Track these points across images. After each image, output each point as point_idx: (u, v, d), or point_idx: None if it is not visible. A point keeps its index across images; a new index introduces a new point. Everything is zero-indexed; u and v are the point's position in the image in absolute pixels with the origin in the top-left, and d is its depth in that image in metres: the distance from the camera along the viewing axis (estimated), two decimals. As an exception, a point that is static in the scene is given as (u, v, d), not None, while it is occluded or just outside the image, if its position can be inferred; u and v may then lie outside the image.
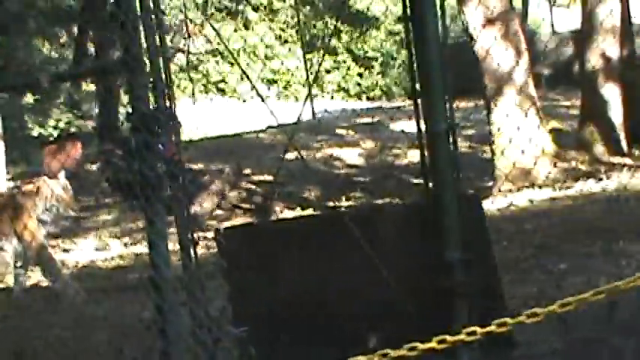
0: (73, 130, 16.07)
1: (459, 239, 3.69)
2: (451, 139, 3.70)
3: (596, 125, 10.72)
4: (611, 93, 10.64)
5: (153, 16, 4.21)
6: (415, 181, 13.36)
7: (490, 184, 10.62)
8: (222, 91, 27.42)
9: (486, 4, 9.65)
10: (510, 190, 9.21)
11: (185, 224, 4.28)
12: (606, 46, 10.40)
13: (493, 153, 9.98)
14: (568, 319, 3.79)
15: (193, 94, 24.80)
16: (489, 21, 9.66)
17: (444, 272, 3.75)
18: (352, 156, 14.63)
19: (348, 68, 27.40)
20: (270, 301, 4.30)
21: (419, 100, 3.88)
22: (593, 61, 10.48)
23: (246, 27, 26.36)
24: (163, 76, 4.24)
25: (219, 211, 11.76)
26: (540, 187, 9.22)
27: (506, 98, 9.53)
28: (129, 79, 4.22)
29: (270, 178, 12.58)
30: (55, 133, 15.87)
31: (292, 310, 4.23)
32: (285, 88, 27.56)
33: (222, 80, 27.11)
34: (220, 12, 26.09)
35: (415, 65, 3.85)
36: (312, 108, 17.80)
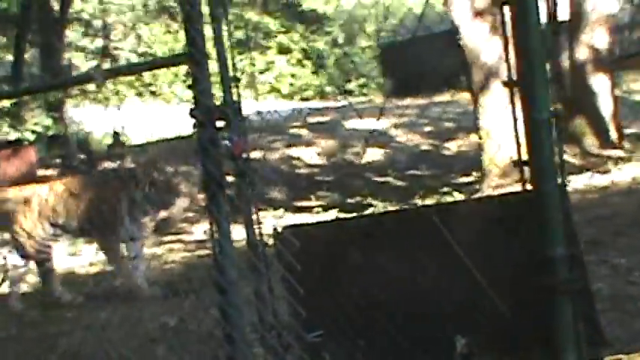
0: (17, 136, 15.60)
1: (562, 234, 3.57)
2: (555, 128, 3.56)
3: (586, 117, 10.77)
4: (601, 85, 10.70)
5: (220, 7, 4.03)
6: (381, 179, 13.40)
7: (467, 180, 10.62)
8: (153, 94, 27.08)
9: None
10: (502, 186, 9.14)
11: (253, 223, 4.10)
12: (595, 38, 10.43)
13: (481, 148, 9.95)
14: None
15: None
16: (477, 13, 9.58)
17: (544, 269, 3.61)
18: (311, 155, 14.51)
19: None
20: (343, 304, 4.12)
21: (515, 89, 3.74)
22: (582, 52, 10.52)
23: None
24: (231, 68, 4.07)
25: (189, 214, 11.47)
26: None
27: (495, 92, 9.45)
28: (194, 71, 4.02)
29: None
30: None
31: (368, 313, 4.06)
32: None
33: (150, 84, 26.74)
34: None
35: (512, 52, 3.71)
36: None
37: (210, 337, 5.51)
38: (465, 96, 13.93)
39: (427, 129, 14.80)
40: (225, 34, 4.03)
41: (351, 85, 27.02)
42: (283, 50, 27.93)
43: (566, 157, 9.89)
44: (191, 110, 4.07)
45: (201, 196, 11.76)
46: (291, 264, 3.92)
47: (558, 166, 3.57)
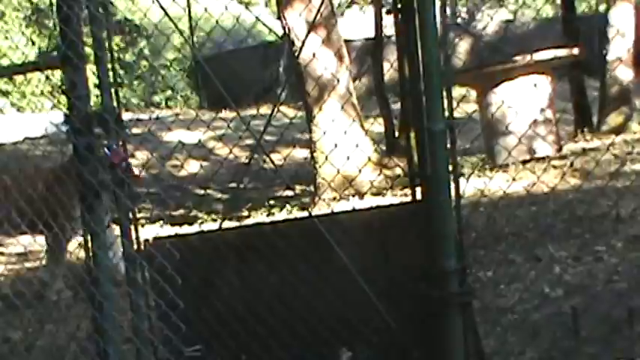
0: None
1: (454, 246, 3.62)
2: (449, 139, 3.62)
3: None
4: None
5: (100, 8, 3.87)
6: (202, 192, 13.24)
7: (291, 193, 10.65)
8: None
9: (309, 8, 9.67)
10: (335, 199, 9.23)
11: (129, 235, 3.95)
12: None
13: (315, 161, 10.02)
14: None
15: None
16: (313, 26, 9.65)
17: (434, 282, 3.66)
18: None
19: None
20: (224, 317, 4.03)
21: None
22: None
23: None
24: (111, 73, 3.91)
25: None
26: (362, 196, 9.34)
27: (328, 104, 9.56)
28: (71, 76, 3.84)
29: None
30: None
31: (249, 327, 3.99)
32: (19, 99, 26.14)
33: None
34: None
35: (405, 62, 3.75)
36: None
37: (61, 350, 5.29)
38: (283, 110, 13.96)
39: (247, 142, 14.70)
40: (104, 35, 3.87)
41: (157, 98, 26.65)
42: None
43: (399, 171, 10.12)
44: (66, 116, 3.89)
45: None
46: (171, 276, 3.80)
47: (452, 177, 3.63)
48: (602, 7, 17.47)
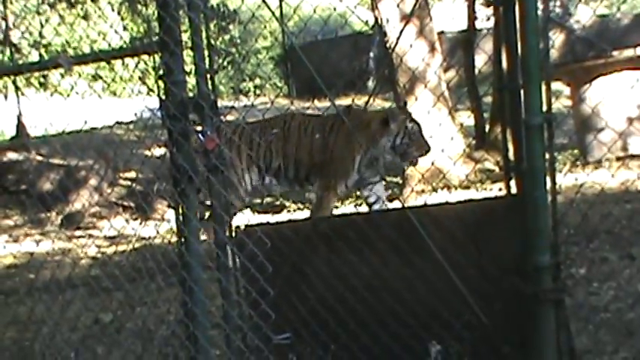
0: None
1: (548, 242, 3.56)
2: (547, 134, 3.55)
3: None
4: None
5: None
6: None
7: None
8: (43, 86, 26.26)
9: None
10: (424, 191, 9.18)
11: (222, 221, 3.97)
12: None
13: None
14: None
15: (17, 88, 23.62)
16: (404, 17, 9.60)
17: (528, 277, 3.60)
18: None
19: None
20: (314, 307, 4.03)
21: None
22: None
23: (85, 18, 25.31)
24: (207, 60, 3.93)
25: (97, 208, 11.20)
26: (456, 188, 9.26)
27: (421, 95, 9.48)
28: (168, 61, 3.87)
29: (141, 175, 12.09)
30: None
31: (339, 317, 3.98)
32: (109, 84, 26.57)
33: (44, 75, 25.94)
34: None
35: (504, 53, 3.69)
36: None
37: (151, 333, 5.37)
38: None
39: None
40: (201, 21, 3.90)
41: (247, 86, 26.79)
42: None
43: (490, 165, 10.05)
44: (162, 102, 3.92)
45: (109, 190, 11.58)
46: (262, 264, 3.81)
47: (549, 171, 3.56)
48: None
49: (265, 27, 19.56)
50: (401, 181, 9.91)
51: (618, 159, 9.97)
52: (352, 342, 3.93)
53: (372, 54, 21.46)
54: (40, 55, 23.66)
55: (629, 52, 10.67)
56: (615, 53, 10.75)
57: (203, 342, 3.91)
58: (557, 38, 21.95)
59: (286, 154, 7.44)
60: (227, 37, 26.39)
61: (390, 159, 7.43)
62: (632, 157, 10.08)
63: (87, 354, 5.13)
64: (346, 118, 6.83)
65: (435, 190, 9.20)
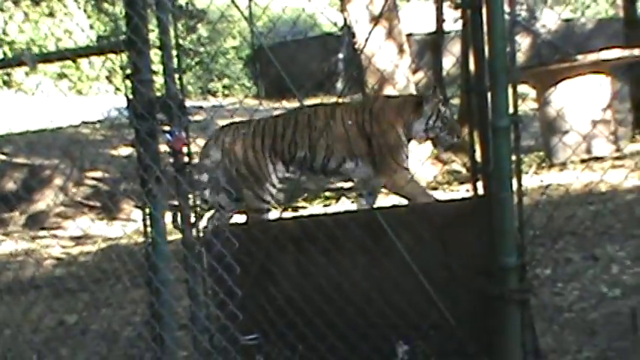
0: None
1: (514, 243, 3.59)
2: (513, 136, 3.58)
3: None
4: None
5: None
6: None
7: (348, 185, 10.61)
8: (7, 84, 26.02)
9: (372, 1, 9.66)
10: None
11: (189, 222, 3.96)
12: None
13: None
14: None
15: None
16: (374, 19, 9.62)
17: (494, 277, 3.63)
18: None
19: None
20: (282, 308, 4.03)
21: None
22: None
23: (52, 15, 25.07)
24: (175, 59, 3.92)
25: (62, 208, 11.13)
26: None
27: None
28: (135, 60, 3.86)
29: (107, 174, 12.03)
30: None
31: (307, 318, 3.98)
32: (75, 83, 26.35)
33: (7, 73, 25.69)
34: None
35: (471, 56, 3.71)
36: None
37: (116, 335, 5.35)
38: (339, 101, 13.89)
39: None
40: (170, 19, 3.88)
41: (215, 86, 26.68)
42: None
43: (457, 166, 10.09)
44: (129, 101, 3.91)
45: (74, 190, 11.51)
46: (230, 264, 3.81)
47: (515, 173, 3.59)
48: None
49: (234, 27, 19.53)
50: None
51: (582, 161, 10.07)
52: (320, 342, 3.93)
53: (341, 55, 21.49)
54: (4, 52, 23.44)
55: (592, 56, 10.79)
56: (580, 57, 10.86)
57: (169, 343, 3.90)
58: (523, 42, 22.10)
59: (313, 143, 7.33)
60: (195, 36, 26.32)
61: (422, 142, 7.46)
62: (596, 159, 10.19)
63: (50, 356, 5.09)
64: (378, 103, 6.77)
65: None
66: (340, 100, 8.00)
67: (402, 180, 7.06)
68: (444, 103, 7.23)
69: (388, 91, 9.55)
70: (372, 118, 7.20)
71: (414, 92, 10.18)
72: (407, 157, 7.20)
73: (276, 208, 7.41)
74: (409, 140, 7.24)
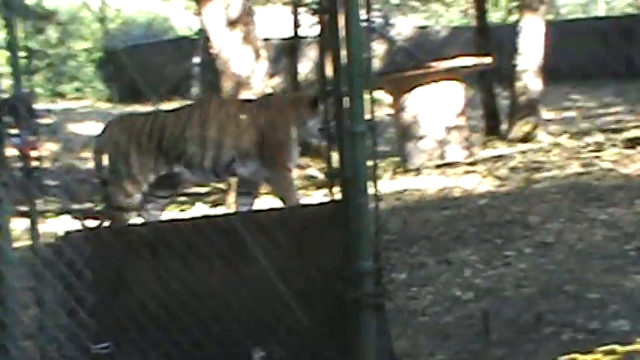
0: None
1: (370, 247, 3.61)
2: (369, 141, 3.60)
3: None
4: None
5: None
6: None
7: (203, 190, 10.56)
8: None
9: (228, 4, 9.58)
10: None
11: (36, 228, 3.82)
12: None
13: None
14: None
15: None
16: (231, 23, 9.55)
17: (349, 282, 3.64)
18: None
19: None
20: (135, 315, 3.93)
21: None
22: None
23: None
24: (23, 60, 3.79)
25: None
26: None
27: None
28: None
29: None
30: None
31: (162, 325, 3.90)
32: None
33: None
34: None
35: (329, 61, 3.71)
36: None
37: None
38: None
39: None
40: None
41: (65, 88, 26.05)
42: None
43: (314, 172, 10.13)
44: (-26, 102, 3.75)
45: None
46: (81, 271, 3.70)
47: (371, 178, 3.61)
48: (512, 18, 17.76)
49: (86, 29, 19.13)
50: (225, 187, 9.85)
51: (437, 167, 10.27)
52: (174, 350, 3.86)
53: (196, 59, 21.32)
54: None
55: (446, 64, 11.03)
56: (434, 64, 11.09)
57: (14, 353, 3.75)
58: (379, 48, 22.47)
59: (203, 140, 7.08)
60: (43, 37, 25.63)
61: (317, 142, 7.26)
62: (450, 164, 10.40)
63: None
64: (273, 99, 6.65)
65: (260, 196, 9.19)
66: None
67: (284, 180, 7.01)
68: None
69: (245, 95, 9.50)
70: (266, 115, 7.07)
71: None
72: (296, 157, 7.14)
73: (138, 210, 7.16)
74: (303, 140, 7.14)
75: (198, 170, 7.07)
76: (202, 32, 10.15)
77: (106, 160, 7.14)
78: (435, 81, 10.82)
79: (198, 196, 10.56)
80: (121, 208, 6.97)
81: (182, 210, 9.66)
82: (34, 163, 3.77)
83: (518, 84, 13.10)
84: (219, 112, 7.10)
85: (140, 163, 6.98)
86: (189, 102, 7.19)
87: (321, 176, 10.30)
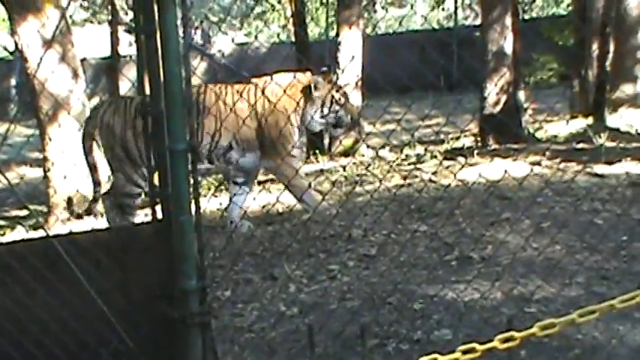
0: None
1: (194, 266, 3.62)
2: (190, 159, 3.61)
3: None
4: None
5: None
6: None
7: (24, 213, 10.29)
8: None
9: (44, 24, 9.38)
10: (69, 219, 8.94)
11: None
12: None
13: (49, 180, 9.64)
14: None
15: None
16: (46, 42, 9.36)
17: (174, 301, 3.64)
18: None
19: None
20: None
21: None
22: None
23: None
24: None
25: None
26: (102, 215, 9.11)
27: (63, 122, 9.31)
28: None
29: None
30: None
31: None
32: None
33: None
34: None
35: (147, 80, 3.70)
36: None
37: None
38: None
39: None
40: None
41: None
42: None
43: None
44: None
45: None
46: None
47: (193, 196, 3.62)
48: (332, 33, 18.08)
49: None
50: (46, 209, 9.65)
51: (259, 183, 10.35)
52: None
53: (13, 81, 20.70)
54: None
55: (267, 79, 11.12)
56: (254, 80, 11.16)
57: None
58: (199, 65, 22.44)
59: (199, 126, 6.95)
60: None
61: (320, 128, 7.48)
62: (272, 181, 10.51)
63: None
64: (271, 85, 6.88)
65: (81, 217, 9.03)
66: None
67: (287, 168, 7.00)
68: (337, 88, 7.19)
69: (63, 117, 9.35)
70: (265, 101, 7.07)
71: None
72: (296, 144, 7.14)
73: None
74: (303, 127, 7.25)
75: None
76: (18, 53, 9.86)
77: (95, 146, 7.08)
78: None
79: (19, 219, 10.28)
80: (128, 194, 6.91)
81: (1, 234, 9.39)
82: None
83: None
84: (216, 98, 7.19)
85: (138, 149, 6.95)
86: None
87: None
